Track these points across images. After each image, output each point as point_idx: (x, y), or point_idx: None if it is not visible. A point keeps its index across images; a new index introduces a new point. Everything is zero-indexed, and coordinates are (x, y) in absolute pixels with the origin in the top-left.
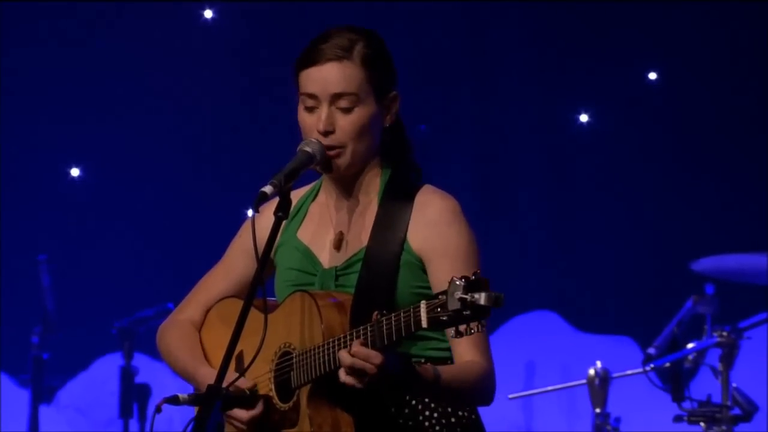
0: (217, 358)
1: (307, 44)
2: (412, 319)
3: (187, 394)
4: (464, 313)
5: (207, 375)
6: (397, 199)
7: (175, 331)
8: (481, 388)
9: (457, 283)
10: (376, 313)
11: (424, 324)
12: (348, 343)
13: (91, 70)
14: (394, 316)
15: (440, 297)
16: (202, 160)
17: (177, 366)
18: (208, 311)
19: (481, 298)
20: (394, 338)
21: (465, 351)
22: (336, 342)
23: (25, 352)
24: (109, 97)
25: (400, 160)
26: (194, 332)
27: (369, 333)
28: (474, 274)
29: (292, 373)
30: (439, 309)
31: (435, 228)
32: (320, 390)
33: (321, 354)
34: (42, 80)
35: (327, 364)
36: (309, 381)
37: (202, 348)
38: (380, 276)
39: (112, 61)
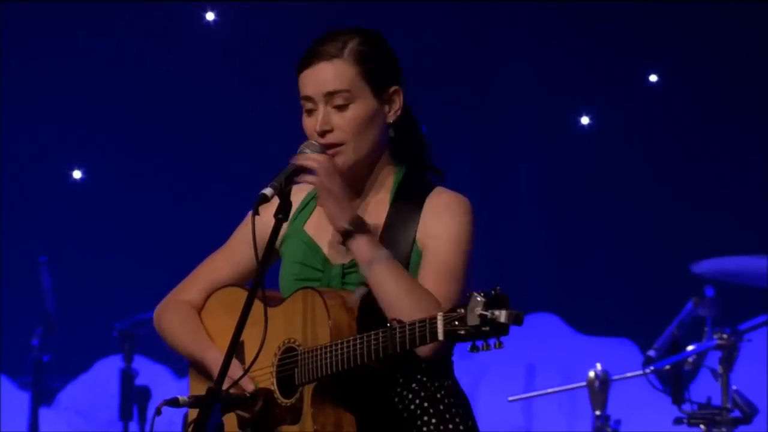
0: (218, 345)
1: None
2: (428, 330)
3: (187, 396)
4: (483, 329)
5: (215, 360)
6: (409, 199)
7: (177, 313)
8: (417, 303)
9: (478, 299)
10: (392, 319)
11: (440, 337)
12: (358, 346)
13: (93, 72)
14: (409, 326)
15: (459, 311)
16: (204, 162)
17: (182, 348)
18: (209, 296)
19: (501, 315)
20: (408, 347)
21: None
22: (345, 344)
23: (25, 354)
24: (110, 99)
25: (414, 160)
26: (196, 314)
27: (381, 338)
28: (494, 289)
29: (296, 370)
30: (456, 323)
31: (437, 216)
32: (324, 389)
33: (329, 354)
34: (43, 82)
35: (334, 365)
36: (314, 379)
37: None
38: None
39: (113, 62)
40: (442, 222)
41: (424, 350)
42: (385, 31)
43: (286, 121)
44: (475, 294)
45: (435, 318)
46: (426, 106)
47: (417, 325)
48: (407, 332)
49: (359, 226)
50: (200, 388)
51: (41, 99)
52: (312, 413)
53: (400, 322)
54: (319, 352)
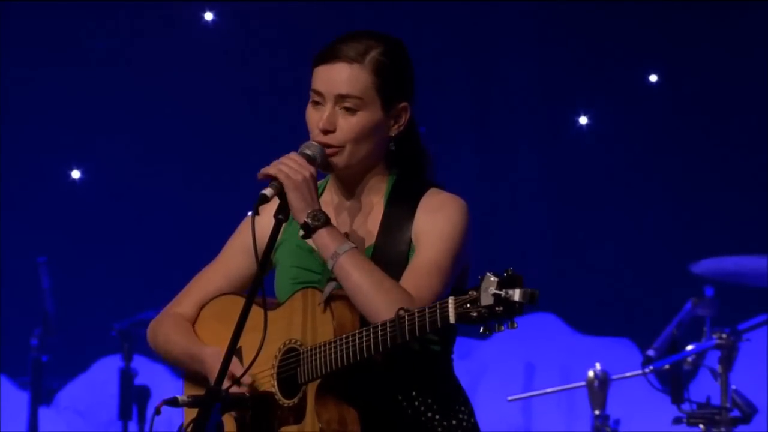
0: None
1: (309, 45)
2: (438, 314)
3: (186, 395)
4: (497, 309)
5: (214, 354)
6: (404, 201)
7: (170, 322)
8: (385, 294)
9: (492, 278)
10: (399, 309)
11: (452, 320)
12: (364, 338)
13: (92, 72)
14: (418, 312)
15: (471, 293)
16: (203, 162)
17: (178, 350)
18: (202, 308)
19: (516, 294)
20: (418, 334)
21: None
22: (351, 338)
23: (24, 354)
24: (109, 99)
25: (409, 167)
26: (188, 323)
27: (389, 328)
28: (507, 270)
29: (299, 369)
30: (468, 305)
31: (430, 214)
32: (328, 386)
33: (332, 350)
34: (43, 82)
35: (339, 361)
36: (318, 377)
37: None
38: (390, 273)
39: (112, 63)
40: (434, 219)
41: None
42: (385, 30)
43: (285, 121)
44: (489, 274)
45: (446, 301)
46: (426, 106)
47: (427, 310)
48: (416, 318)
49: (320, 220)
50: (196, 385)
51: (40, 99)
52: (316, 410)
53: (407, 310)
54: (322, 348)
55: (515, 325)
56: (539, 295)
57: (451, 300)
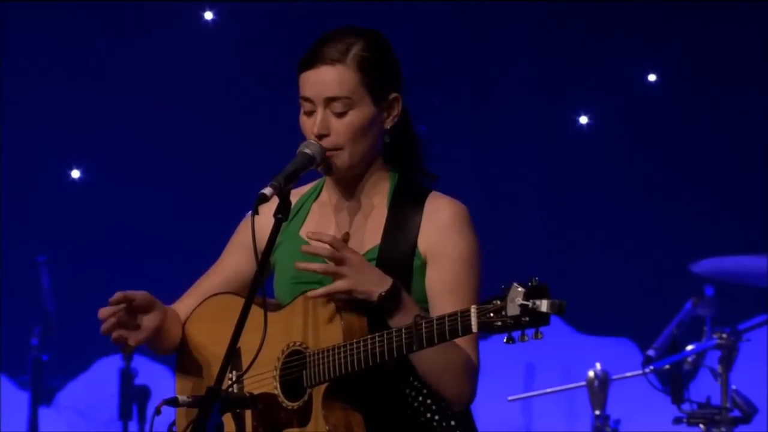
0: (206, 353)
1: (308, 46)
2: (459, 323)
3: (186, 396)
4: (523, 319)
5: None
6: (407, 203)
7: None
8: (462, 371)
9: (519, 289)
10: (416, 315)
11: (474, 329)
12: (377, 344)
13: (92, 72)
14: (437, 320)
15: (495, 302)
16: (203, 162)
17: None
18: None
19: (543, 305)
20: (436, 342)
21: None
22: (363, 343)
23: (24, 353)
24: (109, 98)
25: (408, 163)
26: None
27: (404, 335)
28: (531, 279)
29: (304, 372)
30: (491, 314)
31: (445, 231)
32: (334, 390)
33: (342, 354)
34: (42, 81)
35: (349, 365)
36: (326, 380)
37: (189, 342)
38: (394, 276)
39: (112, 62)
40: (452, 240)
41: (456, 397)
42: (385, 30)
43: (285, 121)
44: (515, 284)
45: (468, 310)
46: (426, 106)
47: (447, 318)
48: (435, 326)
49: (395, 299)
50: (188, 385)
51: (40, 98)
52: (323, 414)
53: (423, 317)
54: (331, 352)
55: (540, 335)
56: (566, 305)
57: (473, 308)
